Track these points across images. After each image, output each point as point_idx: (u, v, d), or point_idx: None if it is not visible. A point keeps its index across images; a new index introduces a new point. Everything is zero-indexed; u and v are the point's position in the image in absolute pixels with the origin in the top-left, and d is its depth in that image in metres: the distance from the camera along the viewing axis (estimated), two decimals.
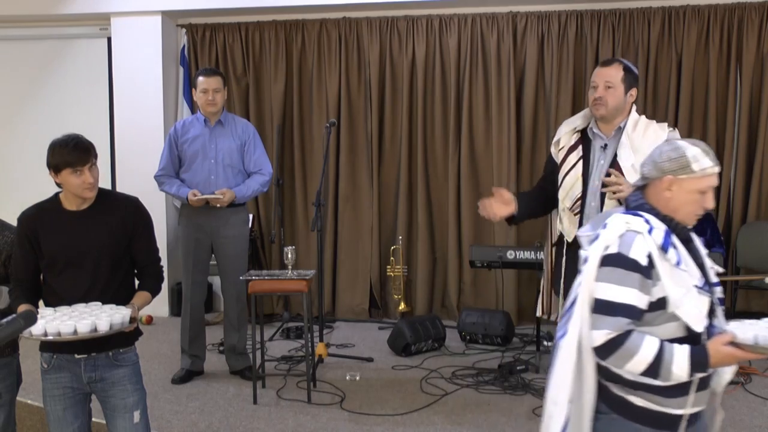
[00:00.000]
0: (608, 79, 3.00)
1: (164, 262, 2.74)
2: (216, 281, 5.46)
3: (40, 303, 2.59)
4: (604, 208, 2.94)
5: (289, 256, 4.08)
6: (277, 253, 5.94)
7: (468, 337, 5.04)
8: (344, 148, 5.91)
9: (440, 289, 5.94)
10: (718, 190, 5.46)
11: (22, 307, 2.42)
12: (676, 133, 3.06)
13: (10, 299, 2.57)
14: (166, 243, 5.86)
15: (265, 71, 6.03)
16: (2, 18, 6.13)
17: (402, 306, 5.72)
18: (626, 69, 3.04)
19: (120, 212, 2.56)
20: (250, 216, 5.37)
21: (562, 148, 3.18)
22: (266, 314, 5.72)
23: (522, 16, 5.66)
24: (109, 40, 6.14)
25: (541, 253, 4.65)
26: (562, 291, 3.16)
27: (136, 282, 2.68)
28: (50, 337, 2.29)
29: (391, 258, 5.80)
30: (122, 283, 2.58)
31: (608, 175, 2.97)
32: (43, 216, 2.53)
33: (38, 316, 2.35)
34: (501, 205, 3.12)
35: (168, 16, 6.01)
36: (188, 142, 4.30)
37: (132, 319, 2.41)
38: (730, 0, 5.39)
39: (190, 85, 5.87)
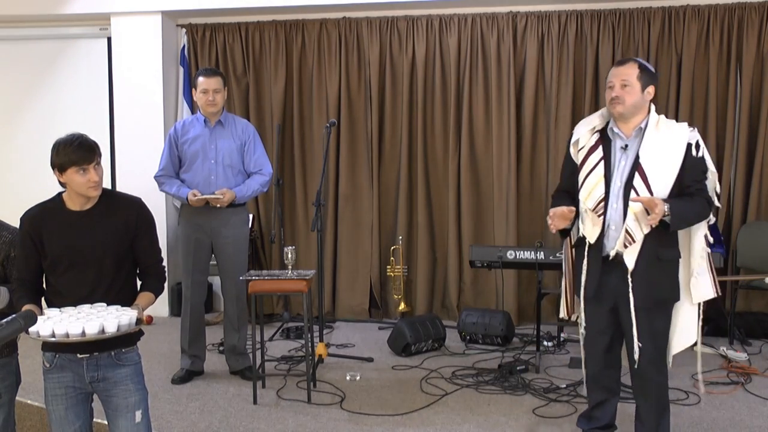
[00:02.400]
0: (624, 78, 3.00)
1: (164, 262, 2.74)
2: (216, 281, 5.46)
3: (43, 303, 2.59)
4: (628, 212, 2.94)
5: (289, 256, 4.08)
6: (277, 253, 5.94)
7: (468, 337, 5.04)
8: (344, 148, 5.91)
9: (440, 289, 5.94)
10: None
11: (26, 308, 2.42)
12: (696, 133, 3.03)
13: (14, 299, 2.57)
14: (166, 243, 5.86)
15: (265, 71, 6.03)
16: (2, 18, 6.13)
17: (402, 306, 5.72)
18: (642, 67, 3.03)
19: (123, 212, 2.57)
20: (250, 216, 5.38)
21: (582, 148, 3.14)
22: (266, 314, 5.72)
23: (522, 16, 5.66)
24: (109, 40, 6.14)
25: (541, 252, 4.65)
26: (583, 293, 3.13)
27: (138, 282, 2.68)
28: (57, 338, 2.28)
29: (391, 258, 5.80)
30: (125, 283, 2.58)
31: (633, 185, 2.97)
32: (46, 216, 2.53)
33: (45, 316, 2.35)
34: (563, 220, 3.12)
35: (168, 16, 6.02)
36: (188, 143, 4.30)
37: (137, 320, 2.41)
38: (730, 0, 5.39)
39: (190, 85, 5.87)
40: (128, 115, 6.02)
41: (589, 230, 3.06)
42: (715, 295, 3.10)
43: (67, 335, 2.28)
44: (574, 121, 5.63)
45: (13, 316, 1.88)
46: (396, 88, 5.87)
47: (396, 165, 5.94)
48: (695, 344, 3.18)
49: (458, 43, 5.74)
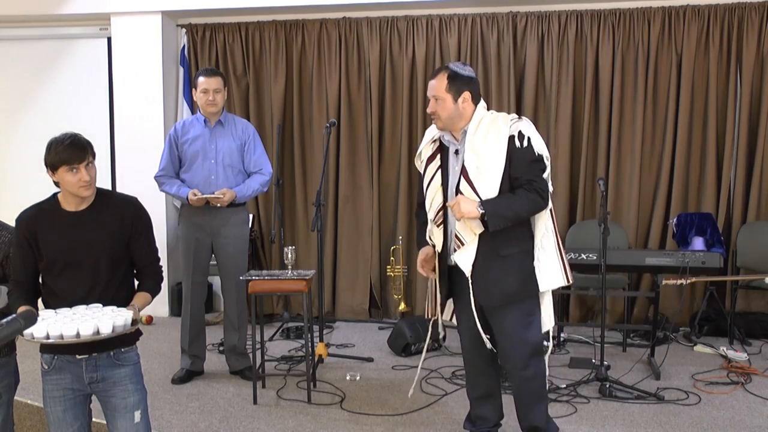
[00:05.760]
0: (434, 93, 3.00)
1: (164, 262, 2.74)
2: (216, 281, 5.46)
3: (40, 304, 2.58)
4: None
5: (289, 256, 4.08)
6: (277, 253, 5.94)
7: None
8: (344, 148, 5.91)
9: None
10: (718, 190, 5.47)
11: (22, 309, 2.41)
12: (521, 123, 2.96)
13: (9, 301, 2.56)
14: (166, 243, 5.86)
15: (265, 71, 6.03)
16: (2, 18, 6.14)
17: (402, 306, 5.72)
18: (451, 76, 2.99)
19: (119, 212, 2.55)
20: (250, 216, 5.38)
21: (423, 160, 3.16)
22: (266, 314, 5.73)
23: (522, 16, 5.66)
24: (109, 40, 6.15)
25: None
26: (439, 297, 3.19)
27: (135, 282, 2.67)
28: (52, 340, 2.27)
29: (391, 258, 5.80)
30: (122, 284, 2.57)
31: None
32: (41, 217, 2.51)
33: (40, 317, 2.34)
34: (431, 262, 3.16)
35: (168, 16, 6.02)
36: (188, 143, 4.30)
37: (133, 321, 2.40)
38: (730, 0, 5.39)
39: (190, 85, 5.87)
40: (128, 115, 6.02)
41: (435, 239, 3.11)
42: (565, 283, 3.06)
43: (62, 337, 2.27)
44: (575, 121, 5.67)
45: (14, 315, 1.88)
46: (396, 88, 5.87)
47: (396, 165, 5.94)
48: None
49: (458, 43, 5.74)
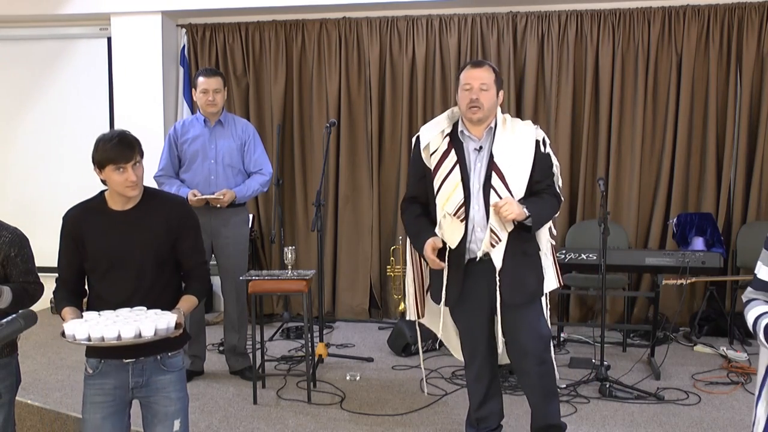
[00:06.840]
0: (484, 81, 2.96)
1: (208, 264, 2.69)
2: (216, 281, 5.45)
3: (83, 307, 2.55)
4: (491, 212, 2.91)
5: (289, 256, 4.08)
6: (277, 253, 5.94)
7: None
8: (344, 148, 5.91)
9: None
10: (718, 190, 5.47)
11: (66, 310, 2.40)
12: (541, 131, 3.07)
13: (55, 299, 2.53)
14: None
15: (265, 71, 6.04)
16: (2, 18, 6.14)
17: (402, 306, 5.71)
18: (495, 71, 3.03)
19: (165, 213, 2.51)
20: (250, 216, 5.38)
21: (434, 152, 3.07)
22: (266, 314, 5.73)
23: (522, 16, 5.66)
24: (109, 40, 6.15)
25: None
26: (444, 299, 3.07)
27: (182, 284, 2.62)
28: (93, 342, 2.24)
29: (391, 258, 5.80)
30: (167, 286, 2.52)
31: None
32: (88, 216, 2.48)
33: (83, 319, 2.32)
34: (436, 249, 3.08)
35: (168, 16, 6.02)
36: (188, 143, 4.30)
37: (177, 325, 2.34)
38: (730, 0, 5.39)
39: (190, 85, 5.87)
40: (128, 115, 6.02)
41: (450, 235, 2.99)
42: (558, 286, 3.17)
43: (103, 339, 2.23)
44: (575, 121, 5.67)
45: (13, 315, 1.88)
46: (396, 88, 5.87)
47: (396, 165, 5.94)
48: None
49: (458, 43, 5.74)
